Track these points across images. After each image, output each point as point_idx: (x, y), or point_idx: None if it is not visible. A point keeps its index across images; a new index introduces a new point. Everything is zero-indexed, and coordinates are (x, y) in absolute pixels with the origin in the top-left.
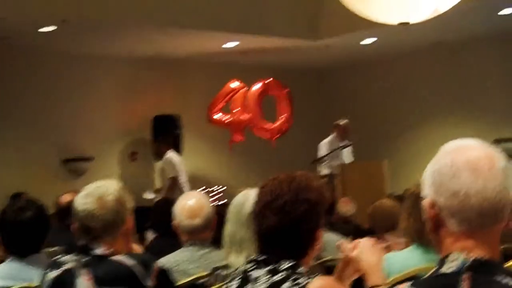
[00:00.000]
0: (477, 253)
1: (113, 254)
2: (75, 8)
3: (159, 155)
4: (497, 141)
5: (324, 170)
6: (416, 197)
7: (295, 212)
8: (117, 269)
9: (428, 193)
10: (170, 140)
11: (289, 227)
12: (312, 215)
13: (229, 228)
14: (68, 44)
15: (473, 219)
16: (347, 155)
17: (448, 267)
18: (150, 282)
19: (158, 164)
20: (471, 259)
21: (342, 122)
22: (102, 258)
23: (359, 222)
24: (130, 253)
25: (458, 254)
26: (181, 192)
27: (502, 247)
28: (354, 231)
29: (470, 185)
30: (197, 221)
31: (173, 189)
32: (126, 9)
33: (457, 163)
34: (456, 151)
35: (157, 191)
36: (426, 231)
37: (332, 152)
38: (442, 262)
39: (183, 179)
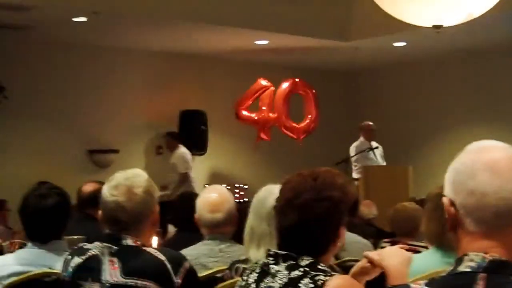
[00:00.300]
0: (495, 254)
1: (142, 245)
2: (107, 0)
3: (169, 149)
4: None
5: (354, 174)
6: (438, 200)
7: (317, 210)
8: (147, 262)
9: (447, 192)
10: (180, 135)
11: (310, 225)
12: (335, 213)
13: (250, 222)
14: (98, 36)
15: (490, 219)
16: (379, 158)
17: (465, 267)
18: (177, 279)
19: (170, 159)
20: (488, 260)
21: (366, 123)
22: (132, 249)
23: (380, 226)
24: (161, 248)
25: (475, 254)
26: (191, 188)
27: None
28: (375, 234)
29: (487, 184)
30: (219, 215)
31: (184, 184)
32: (157, 3)
33: (476, 162)
34: (477, 150)
35: (163, 188)
36: (446, 234)
37: (359, 154)
38: (458, 262)
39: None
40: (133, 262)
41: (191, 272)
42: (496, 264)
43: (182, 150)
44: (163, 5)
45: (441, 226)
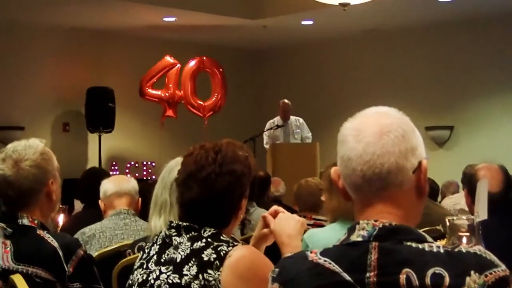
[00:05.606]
0: (385, 220)
1: (38, 225)
2: None
3: None
4: (427, 129)
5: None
6: (329, 176)
7: (219, 184)
8: (39, 248)
9: (338, 163)
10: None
11: (212, 199)
12: (237, 186)
13: (156, 189)
14: (5, 9)
15: (360, 184)
16: (288, 135)
17: (357, 236)
18: (69, 268)
19: None
20: (378, 227)
21: (281, 102)
22: (27, 231)
23: (289, 203)
24: (58, 233)
25: (366, 222)
26: None
27: None
28: None
29: (352, 149)
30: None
31: None
32: None
33: (347, 129)
34: (354, 117)
35: None
36: (345, 208)
37: (267, 132)
38: (351, 231)
39: None
40: (25, 247)
41: (85, 260)
42: (386, 231)
43: None
44: None
45: (338, 201)
